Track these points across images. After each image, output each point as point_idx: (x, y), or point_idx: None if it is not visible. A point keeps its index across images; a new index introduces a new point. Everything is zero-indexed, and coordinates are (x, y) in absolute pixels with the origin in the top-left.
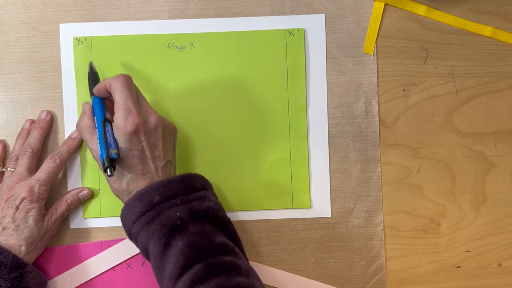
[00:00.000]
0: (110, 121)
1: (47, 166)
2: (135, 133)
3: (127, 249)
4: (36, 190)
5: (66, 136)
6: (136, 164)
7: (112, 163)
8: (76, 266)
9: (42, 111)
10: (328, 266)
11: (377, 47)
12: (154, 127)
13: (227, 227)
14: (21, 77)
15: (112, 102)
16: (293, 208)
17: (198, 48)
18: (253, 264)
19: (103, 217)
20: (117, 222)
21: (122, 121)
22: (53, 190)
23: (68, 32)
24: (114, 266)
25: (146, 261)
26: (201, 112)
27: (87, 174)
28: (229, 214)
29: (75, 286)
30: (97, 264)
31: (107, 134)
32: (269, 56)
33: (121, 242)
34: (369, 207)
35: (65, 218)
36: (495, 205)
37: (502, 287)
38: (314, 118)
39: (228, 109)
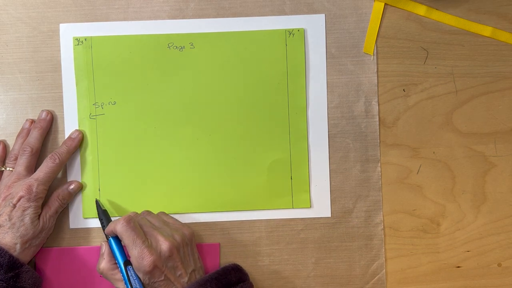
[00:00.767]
0: (131, 263)
1: (46, 166)
2: (154, 269)
3: None
4: (34, 189)
5: (66, 136)
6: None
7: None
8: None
9: (42, 111)
10: (328, 266)
11: (377, 47)
12: (169, 255)
13: None
14: (21, 77)
15: None
16: (293, 208)
17: (198, 48)
18: (253, 264)
19: None
20: None
21: (139, 263)
22: (53, 190)
23: (68, 32)
24: None
25: None
26: (201, 112)
27: (87, 174)
28: (229, 214)
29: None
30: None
31: (131, 278)
32: (269, 56)
33: None
34: (369, 207)
35: (65, 218)
36: (495, 205)
37: (502, 287)
38: (314, 118)
39: (228, 109)
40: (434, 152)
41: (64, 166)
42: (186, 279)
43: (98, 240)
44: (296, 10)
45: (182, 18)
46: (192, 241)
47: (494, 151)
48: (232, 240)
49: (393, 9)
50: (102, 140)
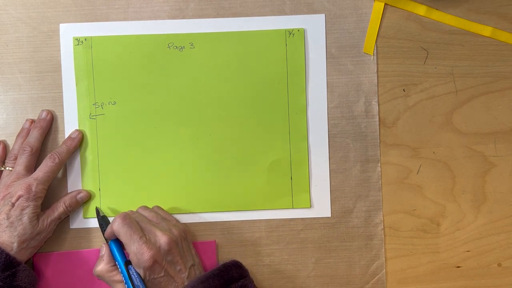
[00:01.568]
0: (131, 262)
1: (45, 165)
2: (154, 264)
3: None
4: (33, 189)
5: (66, 136)
6: (164, 286)
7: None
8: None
9: (42, 110)
10: (328, 266)
11: (377, 47)
12: (168, 249)
13: None
14: (21, 77)
15: None
16: (293, 208)
17: (198, 48)
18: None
19: None
20: None
21: (138, 259)
22: (52, 190)
23: (68, 32)
24: None
25: None
26: (201, 112)
27: (87, 174)
28: (229, 214)
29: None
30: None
31: (132, 276)
32: (269, 56)
33: None
34: (369, 207)
35: (65, 218)
36: (495, 205)
37: (502, 287)
38: (314, 118)
39: (228, 109)
40: (434, 152)
41: (64, 166)
42: (185, 274)
43: (99, 240)
44: (296, 10)
45: (182, 18)
46: (187, 237)
47: (494, 151)
48: (232, 240)
49: (393, 9)
50: (102, 140)
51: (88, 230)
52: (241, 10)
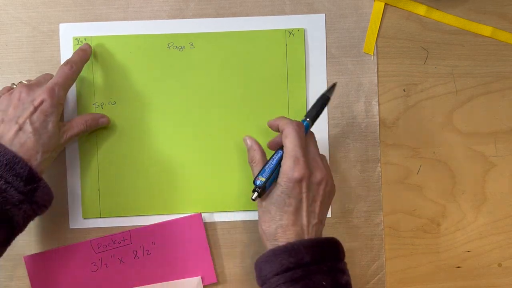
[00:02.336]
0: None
1: (63, 71)
2: (299, 182)
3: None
4: (56, 92)
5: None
6: (290, 213)
7: (258, 189)
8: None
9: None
10: None
11: (377, 47)
12: (318, 182)
13: None
14: (21, 77)
15: None
16: None
17: (198, 48)
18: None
19: (102, 217)
20: (116, 222)
21: (289, 168)
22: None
23: (68, 32)
24: (107, 262)
25: (138, 254)
26: (201, 112)
27: (87, 174)
28: (229, 214)
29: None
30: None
31: (271, 162)
32: (269, 56)
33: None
34: (369, 207)
35: (65, 218)
36: (495, 205)
37: (502, 287)
38: None
39: (228, 109)
40: (434, 152)
41: (64, 166)
42: (315, 220)
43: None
44: (296, 10)
45: (182, 18)
46: (332, 198)
47: (494, 151)
48: (232, 240)
49: (393, 9)
50: (102, 140)
51: (88, 230)
52: (241, 10)
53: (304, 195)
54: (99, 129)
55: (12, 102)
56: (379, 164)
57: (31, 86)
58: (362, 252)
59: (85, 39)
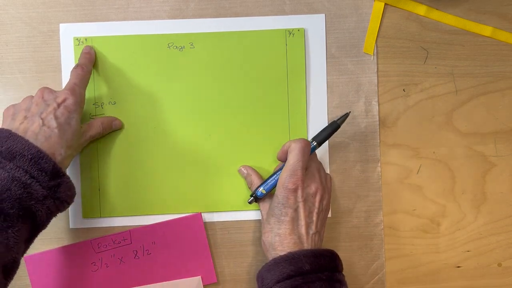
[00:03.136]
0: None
1: (76, 73)
2: (293, 192)
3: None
4: (78, 91)
5: None
6: (287, 222)
7: (255, 196)
8: (69, 267)
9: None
10: None
11: (377, 47)
12: (313, 194)
13: None
14: (21, 77)
15: None
16: None
17: (198, 48)
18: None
19: (102, 217)
20: (116, 222)
21: (285, 180)
22: None
23: (68, 32)
24: (107, 262)
25: (139, 254)
26: (201, 112)
27: (87, 174)
28: (229, 214)
29: (70, 285)
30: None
31: (274, 176)
32: (269, 56)
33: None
34: (369, 207)
35: (65, 218)
36: (495, 205)
37: (502, 287)
38: (314, 118)
39: (228, 109)
40: (434, 152)
41: None
42: (313, 231)
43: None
44: (296, 10)
45: (182, 18)
46: (328, 212)
47: (494, 151)
48: (232, 240)
49: (393, 9)
50: (102, 140)
51: (88, 230)
52: (241, 10)
53: (300, 205)
54: None
55: (34, 101)
56: (379, 164)
57: (51, 89)
58: (362, 252)
59: (85, 39)
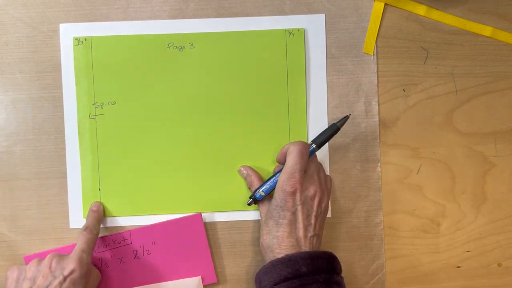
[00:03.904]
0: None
1: (84, 237)
2: (291, 195)
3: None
4: (85, 261)
5: (66, 135)
6: (285, 225)
7: (254, 199)
8: None
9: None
10: None
11: (377, 47)
12: (311, 197)
13: None
14: (21, 77)
15: None
16: None
17: (198, 48)
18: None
19: (102, 217)
20: (116, 222)
21: (283, 182)
22: (54, 189)
23: (68, 32)
24: (107, 262)
25: (139, 254)
26: (201, 112)
27: (87, 174)
28: (229, 214)
29: None
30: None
31: (273, 178)
32: (269, 56)
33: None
34: (369, 207)
35: (65, 218)
36: (495, 205)
37: (502, 287)
38: (314, 118)
39: (228, 109)
40: (434, 152)
41: (64, 167)
42: (311, 233)
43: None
44: (296, 10)
45: (182, 18)
46: (326, 214)
47: (494, 151)
48: (232, 240)
49: (393, 9)
50: (102, 140)
51: None
52: (241, 10)
53: (298, 207)
54: (99, 129)
55: (42, 271)
56: (379, 164)
57: (61, 255)
58: (362, 252)
59: (85, 39)
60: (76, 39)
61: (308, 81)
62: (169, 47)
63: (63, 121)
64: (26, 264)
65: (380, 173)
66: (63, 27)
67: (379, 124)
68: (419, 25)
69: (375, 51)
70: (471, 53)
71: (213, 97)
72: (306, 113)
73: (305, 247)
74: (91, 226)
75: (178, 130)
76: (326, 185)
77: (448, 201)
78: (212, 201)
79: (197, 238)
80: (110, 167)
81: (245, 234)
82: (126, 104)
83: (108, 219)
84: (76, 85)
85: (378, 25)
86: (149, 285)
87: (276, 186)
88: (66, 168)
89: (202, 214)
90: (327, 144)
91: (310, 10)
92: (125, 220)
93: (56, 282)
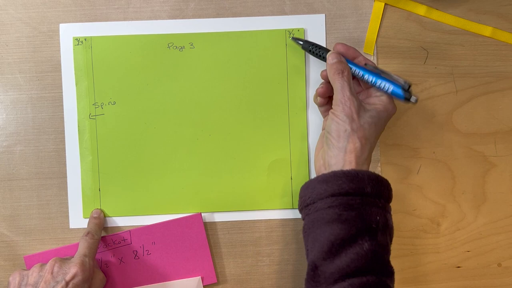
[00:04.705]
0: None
1: (86, 242)
2: (390, 117)
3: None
4: (87, 265)
5: (66, 135)
6: (344, 140)
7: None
8: None
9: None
10: None
11: (377, 47)
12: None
13: (389, 250)
14: (21, 77)
15: None
16: (293, 208)
17: (198, 48)
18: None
19: None
20: (116, 222)
21: (391, 102)
22: (54, 189)
23: (68, 32)
24: (107, 262)
25: (139, 254)
26: (201, 112)
27: (87, 174)
28: (229, 214)
29: None
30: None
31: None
32: (269, 56)
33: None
34: None
35: (65, 218)
36: (495, 205)
37: (502, 287)
38: (314, 118)
39: (228, 109)
40: (434, 152)
41: (64, 167)
42: (366, 154)
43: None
44: (296, 10)
45: (182, 18)
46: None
47: (494, 151)
48: (232, 240)
49: (393, 9)
50: (102, 140)
51: None
52: (241, 10)
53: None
54: (99, 129)
55: (44, 277)
56: (379, 164)
57: (63, 259)
58: None
59: (85, 39)
60: (76, 39)
61: (308, 81)
62: (169, 47)
63: (63, 121)
64: (26, 264)
65: (380, 173)
66: (63, 27)
67: None
68: (419, 25)
69: (375, 51)
70: (471, 53)
71: (213, 97)
72: (306, 113)
73: (364, 165)
74: (92, 231)
75: (178, 130)
76: None
77: (448, 201)
78: (212, 201)
79: (197, 238)
80: (110, 167)
81: (245, 234)
82: (126, 104)
83: (108, 219)
84: (76, 85)
85: (378, 25)
86: (149, 285)
87: (385, 100)
88: (66, 168)
89: (202, 214)
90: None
91: (310, 10)
92: (125, 220)
93: (58, 287)
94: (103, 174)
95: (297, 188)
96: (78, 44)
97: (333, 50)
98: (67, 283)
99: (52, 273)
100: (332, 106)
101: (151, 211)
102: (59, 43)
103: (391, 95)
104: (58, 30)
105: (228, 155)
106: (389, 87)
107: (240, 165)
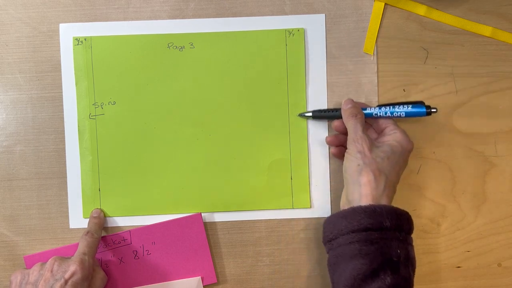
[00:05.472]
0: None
1: (86, 240)
2: (409, 152)
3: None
4: (87, 264)
5: (66, 135)
6: (358, 174)
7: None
8: None
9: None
10: None
11: (377, 47)
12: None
13: (412, 282)
14: (21, 77)
15: None
16: (293, 208)
17: (198, 48)
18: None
19: None
20: (116, 222)
21: (405, 137)
22: (54, 189)
23: (68, 32)
24: (107, 262)
25: (139, 254)
26: (201, 112)
27: (87, 174)
28: (229, 214)
29: None
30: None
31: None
32: (269, 56)
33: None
34: None
35: (65, 218)
36: (495, 205)
37: (502, 287)
38: None
39: (228, 109)
40: (434, 152)
41: (64, 167)
42: (391, 190)
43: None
44: (296, 10)
45: (182, 18)
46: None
47: (494, 151)
48: (232, 240)
49: (393, 9)
50: (102, 140)
51: None
52: (241, 10)
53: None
54: (99, 129)
55: (43, 275)
56: None
57: (63, 258)
58: None
59: (85, 39)
60: (76, 39)
61: (308, 81)
62: (169, 47)
63: (63, 121)
64: (26, 264)
65: None
66: (63, 27)
67: None
68: (419, 25)
69: (375, 51)
70: (471, 53)
71: (213, 97)
72: None
73: (383, 200)
74: (92, 230)
75: (178, 130)
76: None
77: (448, 201)
78: (212, 201)
79: (197, 238)
80: (110, 167)
81: (245, 234)
82: (126, 104)
83: (108, 219)
84: (76, 85)
85: (378, 25)
86: (149, 285)
87: (395, 138)
88: (66, 168)
89: (202, 214)
90: (327, 144)
91: (310, 10)
92: (125, 220)
93: (57, 285)
94: (103, 174)
95: (297, 188)
96: (78, 44)
97: (344, 103)
98: (66, 281)
99: (51, 271)
100: (347, 146)
101: (151, 211)
102: (59, 43)
103: (412, 115)
104: (58, 30)
105: (228, 155)
106: (408, 106)
107: (240, 165)
